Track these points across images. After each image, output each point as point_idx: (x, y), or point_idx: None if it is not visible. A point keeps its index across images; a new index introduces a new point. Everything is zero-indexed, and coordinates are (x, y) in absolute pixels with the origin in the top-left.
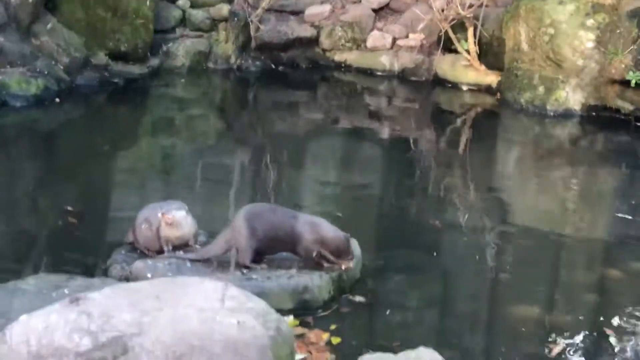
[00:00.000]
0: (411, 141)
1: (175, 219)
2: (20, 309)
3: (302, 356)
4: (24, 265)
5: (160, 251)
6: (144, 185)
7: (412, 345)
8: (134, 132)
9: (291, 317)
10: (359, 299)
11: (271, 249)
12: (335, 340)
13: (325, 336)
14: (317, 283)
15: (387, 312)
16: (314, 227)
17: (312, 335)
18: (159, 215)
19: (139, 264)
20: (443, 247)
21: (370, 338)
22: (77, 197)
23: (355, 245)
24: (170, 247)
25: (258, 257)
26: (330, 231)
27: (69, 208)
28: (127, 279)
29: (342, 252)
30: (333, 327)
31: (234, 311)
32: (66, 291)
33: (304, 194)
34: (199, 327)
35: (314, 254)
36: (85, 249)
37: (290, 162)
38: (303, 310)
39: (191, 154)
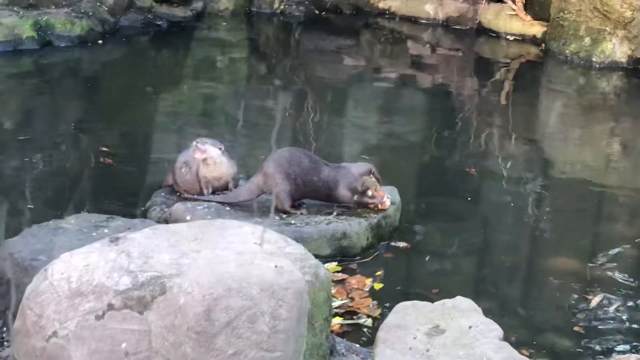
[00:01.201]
0: (453, 90)
1: (207, 152)
2: (61, 247)
3: (341, 302)
4: (65, 204)
5: (199, 194)
6: (184, 128)
7: (450, 293)
8: (175, 74)
9: (334, 263)
10: (401, 244)
11: (306, 193)
12: (378, 286)
13: (368, 282)
14: (356, 229)
15: (427, 259)
16: (344, 169)
17: (354, 281)
18: (193, 144)
19: (178, 207)
20: (483, 196)
21: (410, 285)
22: (118, 138)
23: (394, 192)
24: (210, 190)
25: (296, 202)
26: (358, 166)
27: (104, 148)
28: (166, 221)
29: (377, 181)
30: (378, 273)
31: (272, 255)
32: (106, 231)
33: (344, 140)
34: (237, 270)
35: (354, 197)
36: (125, 190)
37: (331, 108)
38: (341, 256)
39: (233, 98)
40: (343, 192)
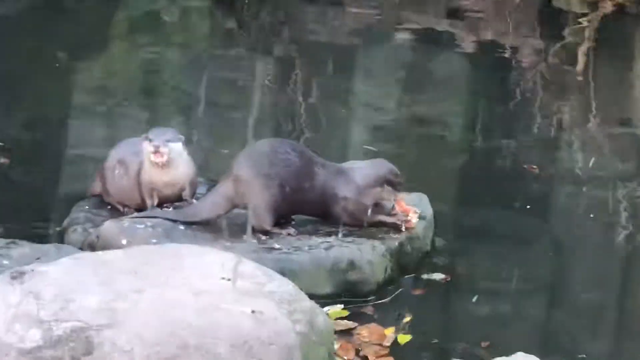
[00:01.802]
0: (507, 51)
1: (170, 153)
2: None
3: None
4: None
5: (141, 207)
6: (116, 112)
7: (507, 348)
8: (103, 34)
9: (339, 307)
10: (436, 277)
11: (296, 206)
12: (404, 339)
13: (389, 332)
14: (369, 257)
15: (473, 298)
16: (346, 174)
17: (367, 332)
18: (144, 144)
19: (110, 226)
20: (551, 205)
21: (450, 336)
22: (19, 129)
23: (424, 202)
24: (156, 200)
25: (281, 218)
26: (367, 171)
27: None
28: (92, 246)
29: (396, 186)
30: (407, 320)
31: (247, 295)
32: (6, 262)
33: (350, 128)
34: (197, 318)
35: (367, 212)
36: (33, 202)
37: (330, 81)
38: (348, 296)
39: (187, 68)
40: (344, 207)
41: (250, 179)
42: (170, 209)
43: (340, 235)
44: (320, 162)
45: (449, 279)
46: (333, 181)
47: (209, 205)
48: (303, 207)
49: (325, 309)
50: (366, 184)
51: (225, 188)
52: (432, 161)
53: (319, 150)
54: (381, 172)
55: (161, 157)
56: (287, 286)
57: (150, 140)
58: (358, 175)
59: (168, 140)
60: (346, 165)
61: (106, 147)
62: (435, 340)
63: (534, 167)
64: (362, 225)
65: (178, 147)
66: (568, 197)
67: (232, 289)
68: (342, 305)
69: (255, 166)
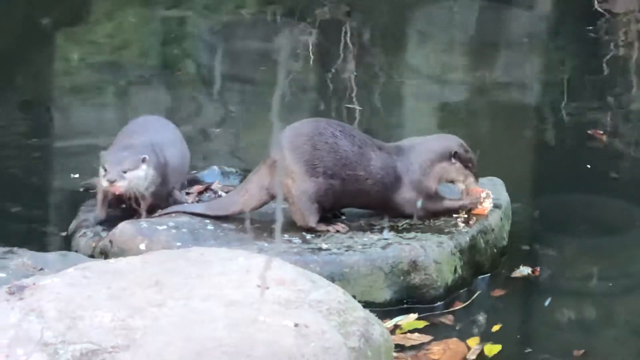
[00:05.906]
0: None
1: (129, 184)
2: None
3: None
4: None
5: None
6: (128, 92)
7: (606, 356)
8: None
9: (413, 316)
10: (523, 271)
11: (345, 199)
12: (492, 349)
13: (474, 344)
14: (435, 255)
15: (562, 299)
16: (410, 152)
17: (440, 347)
18: (100, 170)
19: (125, 228)
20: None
21: (542, 343)
22: (11, 114)
23: (499, 188)
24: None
25: (327, 212)
26: (430, 145)
27: None
28: (104, 252)
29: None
30: (495, 328)
31: (288, 306)
32: (2, 275)
33: (404, 105)
34: (228, 335)
35: (434, 196)
36: (33, 203)
37: (385, 47)
38: (411, 302)
39: (213, 35)
40: (407, 194)
41: (289, 164)
42: (199, 204)
43: (399, 229)
44: (376, 144)
45: (538, 271)
46: (393, 163)
47: (242, 196)
48: (358, 199)
49: (397, 319)
50: (428, 159)
51: (260, 176)
52: (504, 139)
53: (372, 132)
54: (445, 144)
55: (117, 190)
56: (336, 293)
57: (106, 171)
58: (419, 150)
59: (125, 171)
60: (406, 141)
61: (114, 134)
62: (529, 350)
63: (600, 132)
64: (431, 215)
65: (138, 174)
66: None
67: (270, 299)
68: (416, 315)
69: (296, 151)
